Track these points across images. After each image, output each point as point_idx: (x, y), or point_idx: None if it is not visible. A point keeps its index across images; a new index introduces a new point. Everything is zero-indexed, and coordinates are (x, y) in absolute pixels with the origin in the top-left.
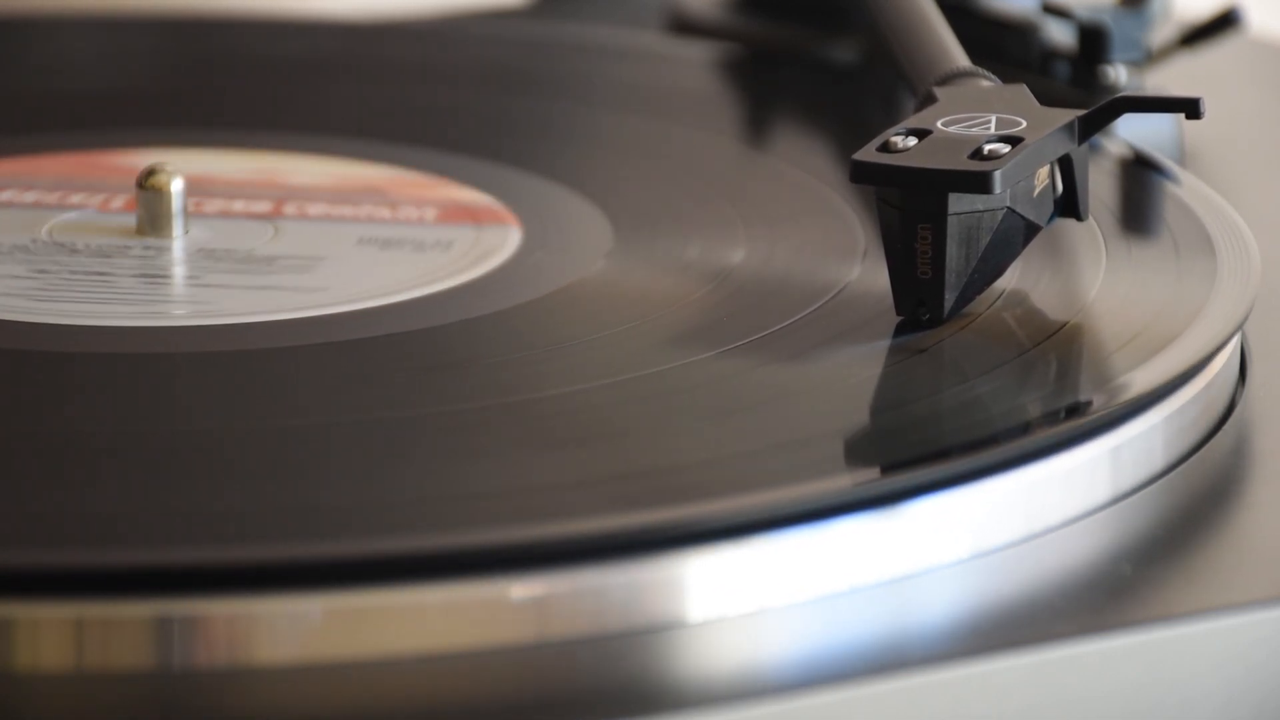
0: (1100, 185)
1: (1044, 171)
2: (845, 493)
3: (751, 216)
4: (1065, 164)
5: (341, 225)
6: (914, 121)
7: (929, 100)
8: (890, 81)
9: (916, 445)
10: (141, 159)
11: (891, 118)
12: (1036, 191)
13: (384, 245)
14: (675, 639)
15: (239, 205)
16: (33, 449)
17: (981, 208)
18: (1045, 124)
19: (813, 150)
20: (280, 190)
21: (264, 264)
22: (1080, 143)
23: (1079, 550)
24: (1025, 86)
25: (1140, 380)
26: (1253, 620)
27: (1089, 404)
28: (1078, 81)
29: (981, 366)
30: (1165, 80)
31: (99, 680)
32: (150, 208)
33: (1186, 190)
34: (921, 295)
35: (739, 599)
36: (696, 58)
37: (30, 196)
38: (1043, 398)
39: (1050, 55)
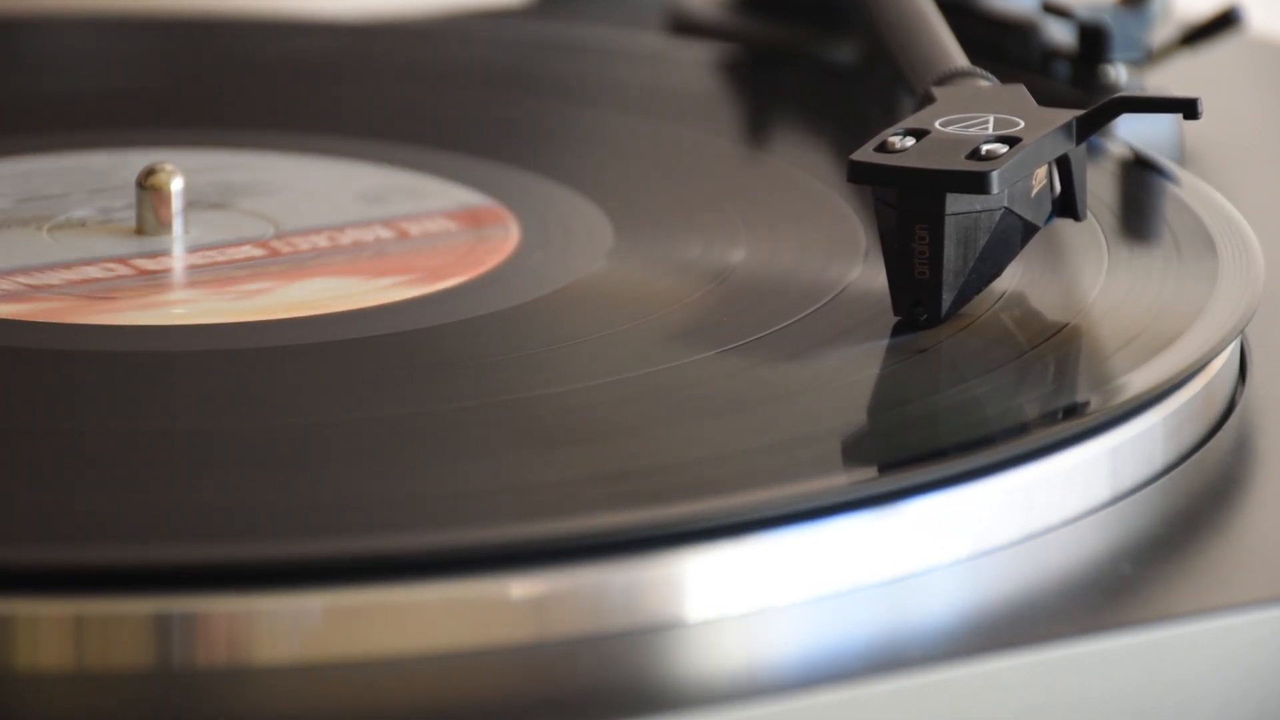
0: (1101, 186)
1: (1042, 171)
2: (844, 491)
3: (751, 216)
4: (1063, 164)
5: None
6: (912, 122)
7: (927, 100)
8: (889, 81)
9: (916, 444)
10: (141, 159)
11: (890, 118)
12: (1034, 191)
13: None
14: (675, 638)
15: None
16: (32, 446)
17: (979, 208)
18: (1043, 124)
19: (812, 150)
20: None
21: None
22: (1078, 143)
23: (1079, 550)
24: (1023, 87)
25: (1140, 380)
26: (1253, 620)
27: (1087, 404)
28: (1078, 81)
29: (981, 367)
30: (1165, 80)
31: (99, 679)
32: (150, 207)
33: (1187, 191)
34: (919, 295)
35: (738, 598)
36: (696, 58)
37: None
38: (1042, 398)
39: (1050, 55)
